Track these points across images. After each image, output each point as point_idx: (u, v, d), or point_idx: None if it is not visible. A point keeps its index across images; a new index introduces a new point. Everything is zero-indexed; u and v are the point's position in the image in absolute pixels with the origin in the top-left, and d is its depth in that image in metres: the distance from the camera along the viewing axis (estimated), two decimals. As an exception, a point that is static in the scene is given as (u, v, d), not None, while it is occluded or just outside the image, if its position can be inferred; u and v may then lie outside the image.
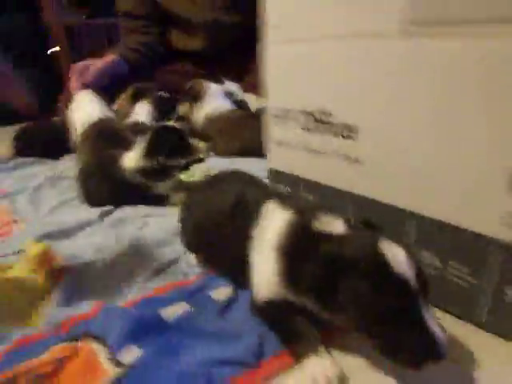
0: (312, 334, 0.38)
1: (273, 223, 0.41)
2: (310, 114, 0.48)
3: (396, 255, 0.33)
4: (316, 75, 0.47)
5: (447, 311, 0.44)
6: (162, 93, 1.20)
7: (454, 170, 0.38)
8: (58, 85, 1.38)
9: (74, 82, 1.16)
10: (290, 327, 0.39)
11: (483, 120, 0.35)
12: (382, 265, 0.32)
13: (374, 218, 0.44)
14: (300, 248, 0.37)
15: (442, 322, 0.42)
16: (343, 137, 0.46)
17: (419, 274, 0.33)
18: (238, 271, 0.44)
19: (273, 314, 0.40)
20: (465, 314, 0.42)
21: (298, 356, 0.37)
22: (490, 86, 0.34)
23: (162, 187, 0.77)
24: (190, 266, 0.55)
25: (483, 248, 0.38)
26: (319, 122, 0.48)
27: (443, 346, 0.31)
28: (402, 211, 0.43)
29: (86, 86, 1.13)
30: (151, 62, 1.31)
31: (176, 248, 0.60)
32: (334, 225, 0.37)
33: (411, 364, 0.32)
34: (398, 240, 0.35)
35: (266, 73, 0.52)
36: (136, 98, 1.18)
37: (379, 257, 0.33)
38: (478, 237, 0.38)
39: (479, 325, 0.41)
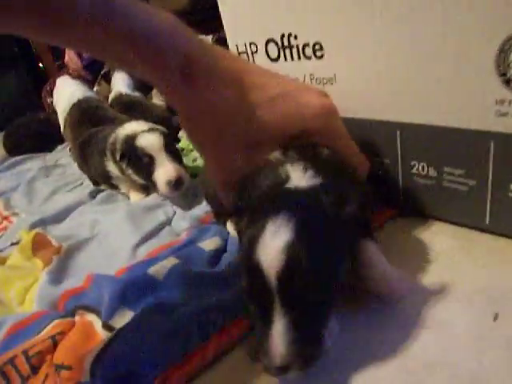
0: None
1: None
2: (273, 41, 0.44)
3: (268, 247, 0.26)
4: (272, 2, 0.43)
5: (450, 222, 0.41)
6: None
7: (434, 68, 0.34)
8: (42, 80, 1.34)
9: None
10: None
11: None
12: (249, 247, 0.27)
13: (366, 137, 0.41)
14: None
15: (444, 233, 0.38)
16: (311, 57, 0.42)
17: (290, 274, 0.25)
18: None
19: None
20: (467, 220, 0.39)
21: None
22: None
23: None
24: (181, 226, 0.53)
25: (482, 145, 0.35)
26: (283, 47, 0.44)
27: (274, 359, 0.25)
28: (388, 124, 0.40)
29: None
30: None
31: (167, 210, 0.59)
32: None
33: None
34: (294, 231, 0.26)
35: (222, 11, 0.48)
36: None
37: (252, 239, 0.27)
38: (473, 134, 0.35)
39: (483, 229, 0.38)
